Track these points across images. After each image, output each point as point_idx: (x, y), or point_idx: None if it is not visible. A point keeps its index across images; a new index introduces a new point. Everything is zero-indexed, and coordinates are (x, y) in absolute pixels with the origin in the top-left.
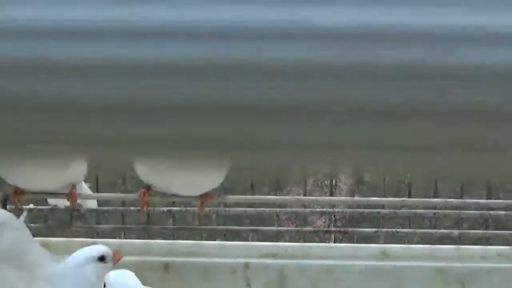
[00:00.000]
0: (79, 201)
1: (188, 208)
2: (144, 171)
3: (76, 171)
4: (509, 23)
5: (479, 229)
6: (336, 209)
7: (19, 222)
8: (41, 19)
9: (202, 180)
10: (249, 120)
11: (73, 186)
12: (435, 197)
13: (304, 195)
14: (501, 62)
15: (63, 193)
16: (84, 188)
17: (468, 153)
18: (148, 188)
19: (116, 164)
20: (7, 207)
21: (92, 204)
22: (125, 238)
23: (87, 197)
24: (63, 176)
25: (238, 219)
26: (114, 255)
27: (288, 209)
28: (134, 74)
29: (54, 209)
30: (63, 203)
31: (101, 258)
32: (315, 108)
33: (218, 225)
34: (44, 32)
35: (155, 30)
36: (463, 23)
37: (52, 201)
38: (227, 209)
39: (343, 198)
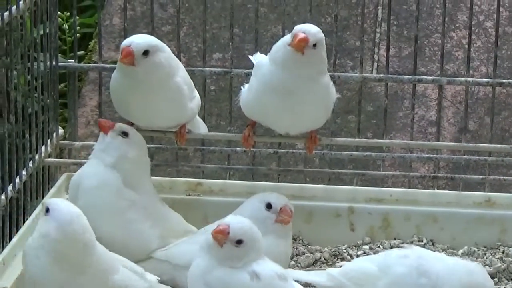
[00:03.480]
0: (189, 127)
1: (294, 151)
2: (255, 103)
3: (190, 113)
4: None
5: None
6: (443, 156)
7: (144, 142)
8: None
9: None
10: None
11: (183, 125)
12: None
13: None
14: None
15: (172, 132)
16: (197, 121)
17: None
18: (252, 126)
19: None
20: None
21: (203, 129)
22: (229, 179)
23: (197, 136)
24: (178, 118)
25: (341, 163)
26: (280, 211)
27: (395, 154)
28: None
29: (160, 148)
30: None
31: (268, 205)
32: None
33: (322, 168)
34: None
35: None
36: None
37: None
38: (333, 152)
39: (451, 143)
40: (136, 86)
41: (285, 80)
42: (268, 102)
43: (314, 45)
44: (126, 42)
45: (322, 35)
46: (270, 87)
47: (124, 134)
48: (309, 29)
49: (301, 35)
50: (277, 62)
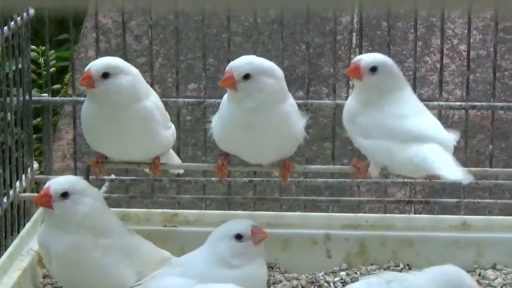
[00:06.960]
0: (163, 160)
1: (269, 179)
2: (221, 138)
3: (164, 142)
4: None
5: None
6: (417, 180)
7: (96, 191)
8: None
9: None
10: None
11: (157, 156)
12: None
13: None
14: None
15: (145, 163)
16: (171, 154)
17: None
18: (226, 156)
19: None
20: (89, 177)
21: (177, 162)
22: (205, 209)
23: (171, 167)
24: (151, 147)
25: (317, 190)
26: (253, 233)
27: (369, 179)
28: None
29: (135, 180)
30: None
31: (238, 236)
32: None
33: (298, 196)
34: None
35: None
36: None
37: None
38: (308, 179)
39: None
40: (100, 110)
41: (239, 115)
42: (230, 137)
43: (246, 77)
44: (89, 65)
45: (255, 65)
46: (229, 122)
47: (64, 195)
48: (235, 64)
49: (226, 74)
50: (228, 99)
